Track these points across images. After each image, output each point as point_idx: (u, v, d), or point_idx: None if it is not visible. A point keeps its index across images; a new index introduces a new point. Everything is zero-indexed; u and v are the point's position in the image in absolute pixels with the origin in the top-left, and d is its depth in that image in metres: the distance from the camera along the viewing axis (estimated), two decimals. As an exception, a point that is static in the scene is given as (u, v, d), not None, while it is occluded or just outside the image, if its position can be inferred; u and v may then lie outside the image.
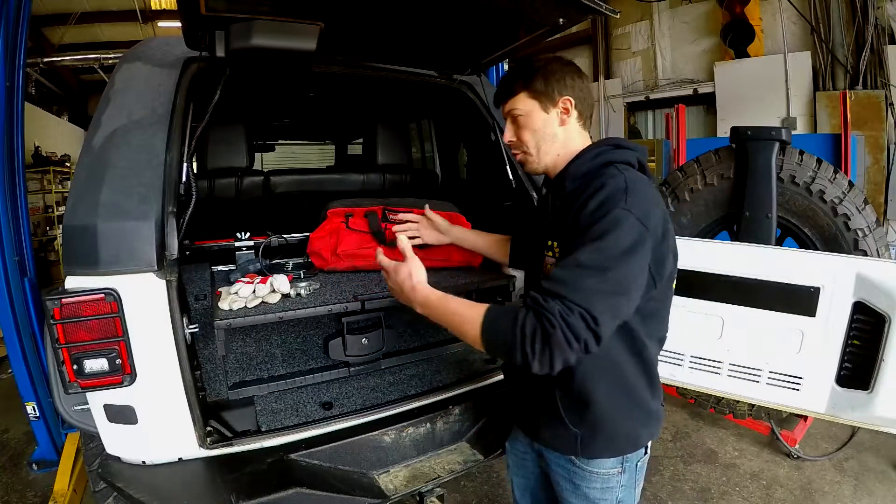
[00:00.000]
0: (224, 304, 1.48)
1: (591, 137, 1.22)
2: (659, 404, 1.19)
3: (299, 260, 2.00)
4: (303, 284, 1.62)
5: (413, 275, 1.12)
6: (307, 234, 1.95)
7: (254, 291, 1.53)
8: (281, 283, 1.57)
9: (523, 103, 1.17)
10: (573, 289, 0.89)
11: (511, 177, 2.04)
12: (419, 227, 1.78)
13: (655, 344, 1.15)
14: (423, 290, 1.10)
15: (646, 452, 1.20)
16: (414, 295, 1.10)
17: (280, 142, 4.38)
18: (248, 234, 2.04)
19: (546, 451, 1.25)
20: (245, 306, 1.48)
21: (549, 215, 1.20)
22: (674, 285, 1.16)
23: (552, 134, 1.17)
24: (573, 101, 1.15)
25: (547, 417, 1.19)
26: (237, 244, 2.03)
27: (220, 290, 1.60)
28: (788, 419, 2.77)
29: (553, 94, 1.15)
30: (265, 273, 1.70)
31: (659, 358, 1.18)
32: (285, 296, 1.57)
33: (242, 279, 1.61)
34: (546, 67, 1.15)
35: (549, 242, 1.17)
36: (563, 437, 1.16)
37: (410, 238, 1.65)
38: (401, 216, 1.79)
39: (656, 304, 1.09)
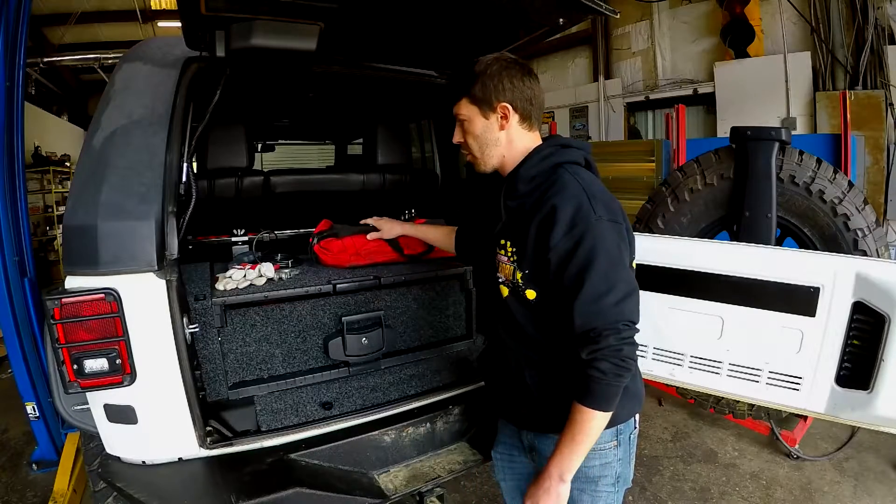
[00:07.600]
0: (220, 286, 1.70)
1: (541, 136, 1.24)
2: (637, 383, 1.24)
3: (287, 252, 2.12)
4: (286, 271, 1.87)
5: (551, 494, 1.09)
6: (297, 231, 2.17)
7: (244, 276, 1.77)
8: (267, 269, 1.82)
9: (466, 109, 1.20)
10: (602, 315, 1.03)
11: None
12: (377, 222, 1.88)
13: None
14: (563, 477, 1.09)
15: (635, 427, 1.24)
16: (562, 484, 1.09)
17: (280, 142, 4.37)
18: (243, 231, 2.24)
19: (539, 440, 1.25)
20: (237, 287, 1.71)
21: (501, 214, 1.22)
22: (633, 268, 1.20)
23: (494, 139, 1.20)
24: (511, 106, 1.16)
25: (530, 404, 1.22)
26: (234, 239, 2.22)
27: (217, 275, 1.78)
28: (788, 419, 2.77)
29: (491, 100, 1.16)
30: (256, 262, 1.91)
31: (655, 356, 1.20)
32: (270, 279, 1.79)
33: (237, 266, 1.83)
34: (485, 72, 1.16)
35: (502, 241, 1.19)
36: (549, 415, 1.17)
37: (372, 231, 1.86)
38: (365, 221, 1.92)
39: None
